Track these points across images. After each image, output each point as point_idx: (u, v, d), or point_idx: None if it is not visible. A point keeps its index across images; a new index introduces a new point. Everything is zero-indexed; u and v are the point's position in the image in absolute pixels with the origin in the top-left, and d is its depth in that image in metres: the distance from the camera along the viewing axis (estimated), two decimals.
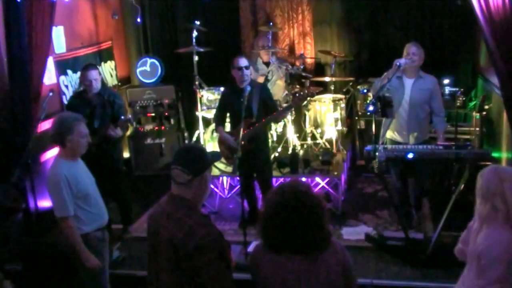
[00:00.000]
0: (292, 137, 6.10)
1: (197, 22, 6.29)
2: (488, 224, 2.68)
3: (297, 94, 5.20)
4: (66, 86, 5.89)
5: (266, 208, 2.37)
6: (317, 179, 5.71)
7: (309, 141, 6.26)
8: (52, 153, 5.56)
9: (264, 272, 2.37)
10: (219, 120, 5.20)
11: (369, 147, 4.47)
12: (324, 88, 6.58)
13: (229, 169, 5.49)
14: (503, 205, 2.64)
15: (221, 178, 5.98)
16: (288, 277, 2.31)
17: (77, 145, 3.54)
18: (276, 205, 2.32)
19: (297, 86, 6.45)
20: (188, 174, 2.43)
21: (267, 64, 6.37)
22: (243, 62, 4.87)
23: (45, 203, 5.32)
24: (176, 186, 2.48)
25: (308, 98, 5.45)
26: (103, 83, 5.19)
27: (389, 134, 4.94)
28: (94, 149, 4.66)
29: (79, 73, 6.09)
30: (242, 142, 4.67)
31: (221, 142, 5.18)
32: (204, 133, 6.22)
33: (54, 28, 5.03)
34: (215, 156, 2.77)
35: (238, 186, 5.56)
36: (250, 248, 4.61)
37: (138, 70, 7.00)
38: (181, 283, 2.41)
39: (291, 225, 2.27)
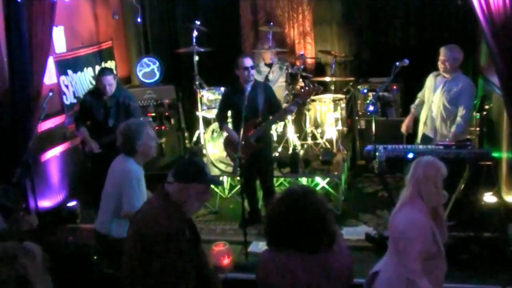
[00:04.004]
0: (293, 137, 6.10)
1: (197, 22, 6.29)
2: (407, 206, 2.92)
3: (302, 90, 5.18)
4: (66, 86, 5.89)
5: (274, 206, 2.41)
6: (317, 179, 5.71)
7: (309, 141, 6.25)
8: (53, 152, 5.58)
9: (270, 277, 2.37)
10: (222, 119, 5.20)
11: (369, 147, 4.48)
12: (324, 88, 6.56)
13: (229, 169, 5.48)
14: (431, 191, 2.89)
15: (221, 178, 5.98)
16: (293, 278, 2.32)
17: (148, 148, 3.58)
18: (284, 203, 2.37)
19: (297, 86, 6.45)
20: (172, 176, 2.62)
21: (269, 65, 6.37)
22: (248, 62, 4.87)
23: (45, 203, 5.33)
24: (166, 184, 2.67)
25: (314, 93, 5.41)
26: (118, 85, 5.23)
27: (425, 129, 5.02)
28: (106, 148, 4.71)
29: (79, 73, 6.13)
30: (243, 142, 4.68)
31: (227, 142, 5.16)
32: (204, 133, 6.22)
33: (54, 28, 5.03)
34: (214, 181, 2.93)
35: (239, 186, 5.56)
36: (250, 248, 4.61)
37: (138, 70, 7.00)
38: (138, 269, 2.51)
39: (297, 221, 2.30)
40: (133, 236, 2.57)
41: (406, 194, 2.98)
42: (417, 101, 5.22)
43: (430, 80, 5.02)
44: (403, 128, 5.21)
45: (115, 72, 6.97)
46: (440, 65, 4.80)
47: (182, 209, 2.61)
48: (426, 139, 4.96)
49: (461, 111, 4.73)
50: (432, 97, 4.91)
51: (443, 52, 4.76)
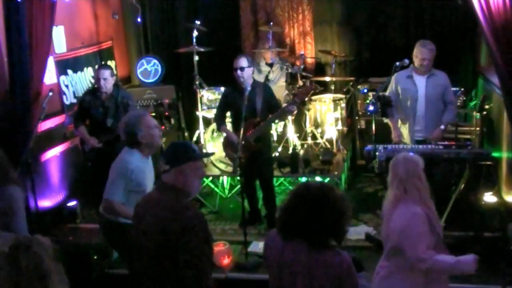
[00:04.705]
0: (293, 136, 6.10)
1: (198, 22, 6.29)
2: (401, 204, 2.90)
3: (300, 89, 5.18)
4: (67, 86, 5.89)
5: (291, 194, 2.45)
6: (317, 179, 5.71)
7: (309, 140, 6.25)
8: (53, 152, 5.57)
9: (269, 255, 2.49)
10: (220, 120, 5.19)
11: (369, 147, 4.48)
12: (324, 88, 6.57)
13: (229, 169, 5.49)
14: (418, 186, 2.88)
15: (221, 178, 5.98)
16: (285, 266, 2.36)
17: (151, 138, 3.58)
18: (300, 193, 2.41)
19: (297, 86, 6.46)
20: (165, 164, 2.69)
21: (270, 65, 6.37)
22: (239, 63, 4.84)
23: (45, 203, 5.33)
24: (163, 175, 2.74)
25: (312, 92, 5.41)
26: (117, 85, 5.23)
27: (410, 134, 4.90)
28: (105, 147, 4.71)
29: (79, 73, 6.13)
30: (243, 142, 4.68)
31: (226, 143, 5.16)
32: (204, 133, 6.22)
33: (54, 28, 5.02)
34: (205, 154, 2.96)
35: (239, 186, 5.56)
36: (250, 248, 4.62)
37: (138, 70, 7.00)
38: (164, 263, 2.54)
39: (308, 211, 2.32)
40: (155, 235, 2.57)
41: (392, 196, 2.95)
42: (393, 110, 5.01)
43: (402, 83, 4.87)
44: (396, 139, 4.97)
45: (115, 71, 6.97)
46: (419, 63, 4.74)
47: (188, 189, 2.70)
48: (420, 143, 4.83)
49: (450, 100, 4.81)
50: (416, 98, 4.81)
51: (421, 51, 4.71)
